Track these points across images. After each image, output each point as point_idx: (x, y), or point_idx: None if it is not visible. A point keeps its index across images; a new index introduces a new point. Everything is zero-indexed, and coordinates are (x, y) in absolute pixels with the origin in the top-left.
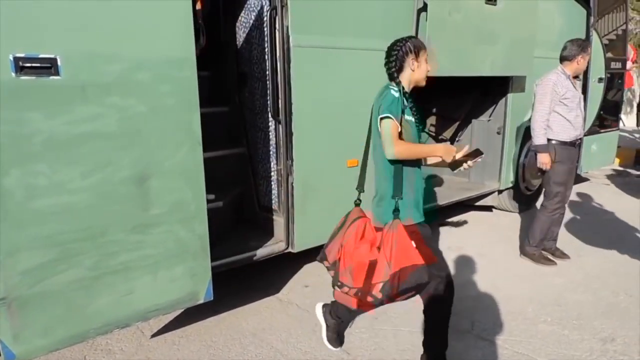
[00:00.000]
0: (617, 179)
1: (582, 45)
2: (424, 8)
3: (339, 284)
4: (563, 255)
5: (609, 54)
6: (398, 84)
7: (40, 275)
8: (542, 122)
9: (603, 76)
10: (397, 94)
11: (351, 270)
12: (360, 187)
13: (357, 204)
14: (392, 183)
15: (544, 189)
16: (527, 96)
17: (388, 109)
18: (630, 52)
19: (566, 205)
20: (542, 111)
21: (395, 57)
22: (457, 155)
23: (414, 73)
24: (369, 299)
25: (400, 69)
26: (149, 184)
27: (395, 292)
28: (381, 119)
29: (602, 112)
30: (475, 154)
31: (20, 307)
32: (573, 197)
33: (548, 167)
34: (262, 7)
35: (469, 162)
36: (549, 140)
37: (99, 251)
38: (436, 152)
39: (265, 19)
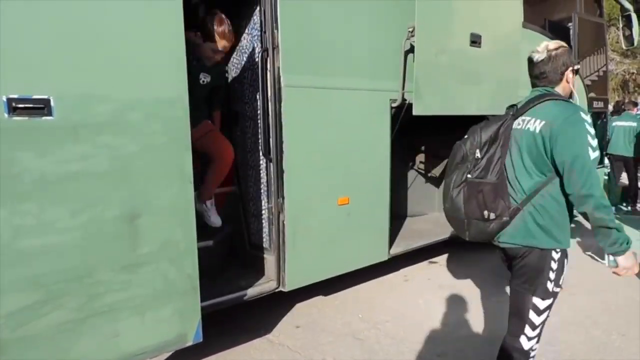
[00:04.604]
0: None
1: None
2: (411, 50)
3: None
4: None
5: (592, 94)
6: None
7: (24, 318)
8: None
9: None
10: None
11: None
12: None
13: None
14: None
15: None
16: None
17: None
18: None
19: None
20: None
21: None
22: None
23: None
24: None
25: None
26: (138, 223)
27: None
28: None
29: None
30: None
31: (2, 351)
32: None
33: None
34: (253, 49)
35: None
36: None
37: (85, 292)
38: None
39: (257, 60)
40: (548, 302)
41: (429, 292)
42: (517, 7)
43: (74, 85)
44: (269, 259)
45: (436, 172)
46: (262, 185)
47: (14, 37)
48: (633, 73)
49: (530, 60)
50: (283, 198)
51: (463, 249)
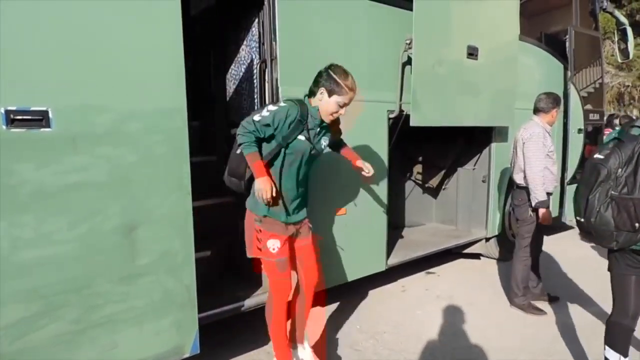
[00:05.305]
0: None
1: (558, 99)
2: (409, 61)
3: None
4: (552, 299)
5: (588, 106)
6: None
7: (22, 330)
8: (542, 178)
9: (582, 127)
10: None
11: None
12: None
13: None
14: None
15: (518, 237)
16: (510, 146)
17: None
18: None
19: (542, 248)
20: (540, 166)
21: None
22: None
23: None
24: None
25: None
26: (136, 234)
27: None
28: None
29: (583, 161)
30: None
31: None
32: (561, 246)
33: (550, 222)
34: (252, 61)
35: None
36: None
37: (84, 303)
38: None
39: (255, 71)
40: None
41: (426, 302)
42: (514, 20)
43: (72, 96)
44: None
45: (433, 182)
46: None
47: (12, 49)
48: (628, 86)
49: None
50: None
51: (459, 259)
